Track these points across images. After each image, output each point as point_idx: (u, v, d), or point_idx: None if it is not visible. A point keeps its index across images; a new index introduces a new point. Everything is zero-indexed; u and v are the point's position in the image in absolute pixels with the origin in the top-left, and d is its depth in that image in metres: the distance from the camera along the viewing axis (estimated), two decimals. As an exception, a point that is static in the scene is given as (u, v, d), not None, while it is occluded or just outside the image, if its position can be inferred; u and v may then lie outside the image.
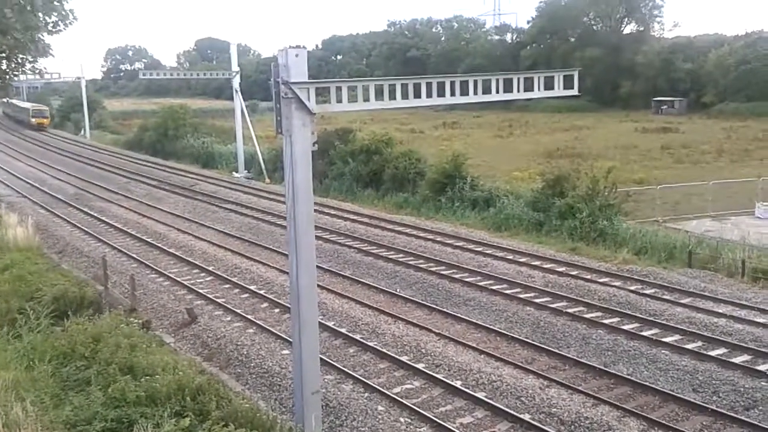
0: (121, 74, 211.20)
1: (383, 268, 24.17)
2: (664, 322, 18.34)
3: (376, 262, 24.85)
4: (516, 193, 32.75)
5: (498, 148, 58.77)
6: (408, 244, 27.12)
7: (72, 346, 14.31)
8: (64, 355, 14.25)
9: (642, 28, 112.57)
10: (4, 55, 25.05)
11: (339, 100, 11.76)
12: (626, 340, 17.26)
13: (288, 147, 11.19)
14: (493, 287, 21.54)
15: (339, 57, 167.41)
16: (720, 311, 18.97)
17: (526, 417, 13.42)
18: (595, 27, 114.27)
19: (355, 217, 32.48)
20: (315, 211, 11.90)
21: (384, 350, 16.67)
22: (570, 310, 19.32)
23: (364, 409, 13.79)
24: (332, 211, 33.72)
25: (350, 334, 17.74)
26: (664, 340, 17.10)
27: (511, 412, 13.55)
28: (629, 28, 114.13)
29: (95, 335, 14.61)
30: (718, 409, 13.63)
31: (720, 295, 20.33)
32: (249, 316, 19.13)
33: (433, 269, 23.62)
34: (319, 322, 14.34)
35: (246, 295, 21.34)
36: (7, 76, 26.55)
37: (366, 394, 14.45)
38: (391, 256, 25.43)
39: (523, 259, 24.59)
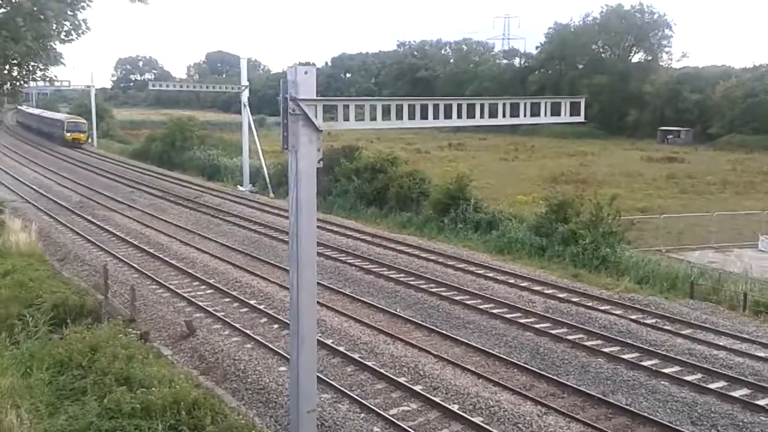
0: (131, 84, 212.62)
1: (384, 287, 24.12)
2: (664, 352, 18.23)
3: (376, 281, 24.79)
4: (519, 217, 32.74)
5: (503, 171, 58.86)
6: (409, 264, 27.07)
7: (69, 355, 14.29)
8: (61, 363, 14.23)
9: (650, 58, 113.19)
10: (15, 62, 25.18)
11: (346, 118, 11.79)
12: (626, 369, 17.15)
13: (293, 163, 11.20)
14: (494, 311, 21.46)
15: (348, 75, 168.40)
16: (721, 344, 18.85)
17: (523, 444, 13.30)
18: (603, 55, 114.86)
19: (357, 235, 32.47)
20: (318, 227, 11.90)
21: (382, 370, 16.57)
22: (570, 337, 19.22)
23: (359, 430, 13.69)
24: (335, 228, 33.71)
25: (348, 353, 17.65)
26: (663, 371, 16.97)
27: (508, 438, 13.43)
28: (637, 57, 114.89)
29: (93, 345, 14.60)
30: (717, 443, 13.52)
31: (721, 328, 20.21)
32: (247, 331, 19.07)
33: (433, 290, 23.56)
34: (318, 339, 14.29)
35: (245, 310, 21.28)
36: (18, 83, 26.65)
37: (362, 415, 14.35)
38: (392, 276, 25.38)
39: (524, 284, 24.51)
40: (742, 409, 15.03)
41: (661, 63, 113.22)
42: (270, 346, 17.96)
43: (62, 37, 24.88)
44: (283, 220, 33.63)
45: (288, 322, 13.98)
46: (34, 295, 19.03)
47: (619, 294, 23.40)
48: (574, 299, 22.74)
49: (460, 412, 14.48)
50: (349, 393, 15.24)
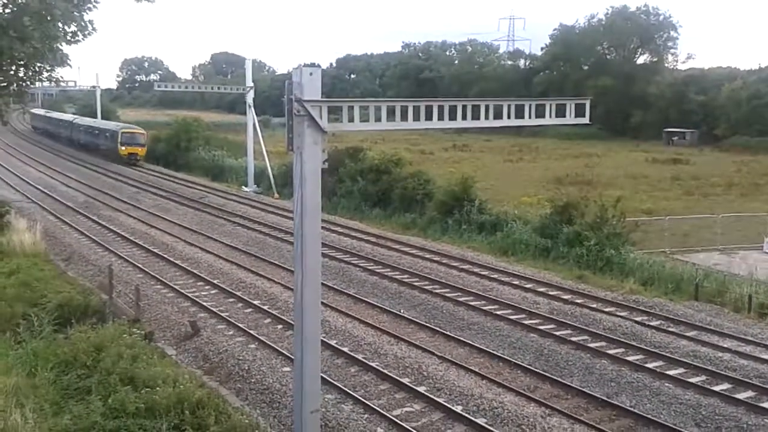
0: (137, 85, 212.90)
1: (388, 288, 24.13)
2: (668, 354, 18.19)
3: (380, 282, 24.80)
4: (524, 219, 32.70)
5: (507, 173, 58.78)
6: (413, 265, 27.07)
7: (74, 355, 14.33)
8: (65, 363, 14.27)
9: (655, 59, 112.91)
10: (22, 63, 25.27)
11: (351, 119, 11.80)
12: (630, 371, 17.12)
13: (298, 164, 11.22)
14: (498, 312, 21.45)
15: (353, 76, 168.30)
16: (725, 346, 18.80)
17: (527, 445, 13.29)
18: (608, 56, 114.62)
19: (361, 236, 32.48)
20: (322, 228, 11.92)
21: (386, 371, 16.58)
22: (574, 339, 19.20)
23: (363, 430, 13.70)
24: (339, 229, 33.73)
25: (352, 354, 17.67)
26: (668, 372, 16.95)
27: (512, 439, 13.42)
28: (643, 59, 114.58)
29: (98, 344, 14.65)
30: (721, 446, 13.48)
31: (726, 330, 20.17)
32: (252, 331, 19.10)
33: (437, 291, 23.56)
34: (322, 340, 14.30)
35: (249, 310, 21.32)
36: (24, 84, 26.76)
37: (366, 416, 14.36)
38: (396, 277, 25.38)
39: (528, 285, 24.49)
40: (747, 411, 14.99)
41: (666, 64, 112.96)
42: (274, 346, 17.98)
43: (68, 38, 24.99)
44: (287, 220, 33.65)
45: (292, 322, 14.03)
46: (38, 294, 19.09)
47: (624, 296, 23.36)
48: (578, 301, 22.72)
49: (464, 413, 14.48)
50: (352, 393, 15.25)
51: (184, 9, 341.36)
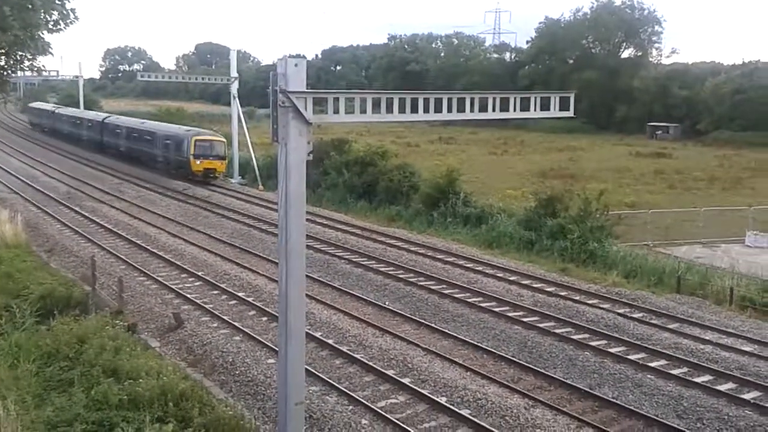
0: (120, 75, 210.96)
1: (373, 280, 24.14)
2: (650, 346, 18.36)
3: (365, 274, 24.81)
4: (508, 211, 32.84)
5: (492, 166, 58.93)
6: (398, 258, 27.10)
7: (57, 346, 14.24)
8: (48, 354, 14.18)
9: (640, 54, 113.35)
10: (3, 51, 25.00)
11: (336, 111, 11.76)
12: (612, 363, 17.26)
13: (283, 155, 11.17)
14: (482, 304, 21.53)
15: (338, 67, 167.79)
16: (707, 338, 19.00)
17: (510, 436, 13.37)
18: (593, 50, 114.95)
19: (346, 228, 32.46)
20: (307, 220, 11.90)
21: (370, 363, 16.61)
22: (557, 331, 19.33)
23: (347, 422, 13.72)
24: (324, 221, 33.69)
25: (337, 346, 17.68)
26: (650, 364, 17.10)
27: (495, 431, 13.50)
28: (627, 53, 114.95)
29: (80, 336, 14.56)
30: (702, 437, 13.63)
31: (707, 322, 20.38)
32: (236, 323, 19.05)
33: (422, 284, 23.60)
34: (307, 332, 14.28)
35: (234, 302, 21.25)
36: (5, 73, 26.47)
37: (350, 407, 14.38)
38: (381, 269, 25.40)
39: (513, 278, 24.61)
40: (728, 402, 15.16)
41: (650, 59, 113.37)
42: (258, 338, 17.95)
43: (50, 26, 24.75)
44: (272, 212, 33.56)
45: (276, 314, 14.00)
46: (21, 286, 18.94)
47: (607, 288, 23.52)
48: (561, 293, 22.85)
49: (448, 405, 14.54)
50: (337, 385, 15.27)
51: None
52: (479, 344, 18.24)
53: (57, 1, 24.11)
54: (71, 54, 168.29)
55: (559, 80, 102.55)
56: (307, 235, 12.19)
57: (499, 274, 24.98)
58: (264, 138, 49.63)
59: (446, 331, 19.19)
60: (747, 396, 15.48)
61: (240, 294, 21.84)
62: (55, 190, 41.50)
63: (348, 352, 17.32)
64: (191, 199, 39.85)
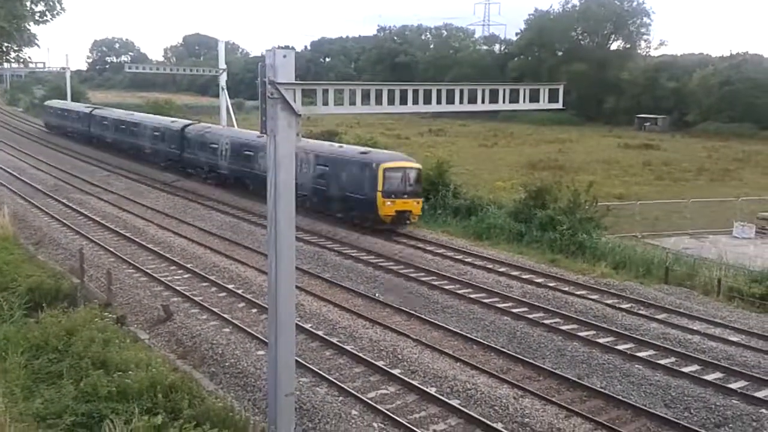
0: (107, 66, 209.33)
1: (363, 272, 24.15)
2: (639, 336, 18.49)
3: (355, 266, 24.82)
4: (498, 203, 32.91)
5: (482, 158, 59.01)
6: (388, 249, 27.12)
7: (45, 339, 14.18)
8: (36, 347, 14.11)
9: (628, 46, 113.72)
10: (-12, 43, 24.80)
11: (325, 103, 11.74)
12: (601, 353, 17.37)
13: (272, 147, 11.15)
14: (472, 296, 21.60)
15: (327, 59, 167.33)
16: (694, 328, 19.15)
17: (500, 426, 13.45)
18: (582, 42, 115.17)
19: (336, 220, 32.37)
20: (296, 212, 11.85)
21: (360, 354, 16.64)
22: (546, 322, 19.43)
23: (337, 413, 13.75)
24: (314, 213, 33.57)
25: (327, 337, 17.69)
26: (638, 354, 17.23)
27: (485, 420, 13.57)
28: (616, 45, 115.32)
29: (69, 328, 14.50)
30: (689, 426, 13.75)
31: (695, 313, 20.53)
32: (225, 315, 19.02)
33: (412, 275, 23.64)
34: (297, 323, 14.28)
35: (223, 294, 21.22)
36: (-9, 64, 26.24)
37: (340, 398, 14.41)
38: (371, 261, 25.42)
39: (502, 269, 24.68)
40: (715, 392, 15.30)
41: (639, 51, 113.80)
42: (248, 330, 17.94)
43: (36, 17, 24.54)
44: (261, 204, 33.44)
45: (266, 306, 13.99)
46: (8, 278, 18.81)
47: (595, 279, 23.65)
48: (551, 284, 22.95)
49: (438, 395, 14.61)
50: (327, 377, 15.30)
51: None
52: (469, 335, 18.31)
53: (43, -8, 23.93)
54: (58, 45, 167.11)
55: (549, 72, 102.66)
56: (296, 227, 12.17)
57: (488, 266, 25.05)
58: (253, 130, 49.45)
59: (436, 322, 19.25)
60: (734, 385, 15.62)
61: (229, 286, 21.80)
62: (43, 183, 41.20)
63: (338, 343, 17.34)
64: (180, 191, 39.67)
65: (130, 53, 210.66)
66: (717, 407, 14.63)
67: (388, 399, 14.57)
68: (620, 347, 17.68)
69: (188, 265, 23.98)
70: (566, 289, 22.48)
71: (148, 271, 23.12)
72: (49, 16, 24.83)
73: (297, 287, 15.85)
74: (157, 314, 19.10)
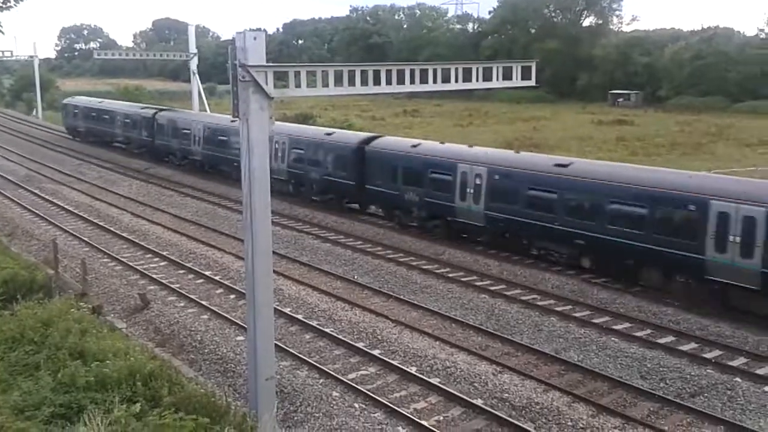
0: (76, 54, 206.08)
1: (341, 254, 24.15)
2: (614, 310, 18.73)
3: (333, 249, 24.80)
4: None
5: (458, 137, 58.82)
6: (366, 231, 27.13)
7: (21, 331, 14.00)
8: (12, 339, 13.92)
9: (601, 22, 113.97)
10: (-49, 30, 24.22)
11: (298, 85, 11.69)
12: (577, 327, 17.59)
13: (245, 131, 11.09)
14: (450, 275, 21.71)
15: (300, 41, 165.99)
16: (669, 300, 19.39)
17: (479, 402, 13.60)
18: (555, 19, 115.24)
19: (313, 203, 32.30)
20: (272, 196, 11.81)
21: (340, 336, 16.70)
22: (523, 298, 19.61)
23: (318, 395, 13.81)
24: (290, 197, 33.46)
25: (306, 321, 17.72)
26: (614, 327, 17.47)
27: (464, 397, 13.72)
28: (588, 21, 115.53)
29: (45, 320, 14.34)
30: (665, 396, 14.00)
31: (669, 285, 20.75)
32: (203, 302, 18.97)
33: (390, 256, 23.69)
34: (275, 308, 14.28)
35: (201, 281, 21.12)
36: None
37: (321, 380, 14.47)
38: (349, 243, 25.42)
39: (479, 248, 24.79)
40: (690, 362, 15.57)
41: (611, 27, 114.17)
42: (227, 316, 17.91)
43: (0, 4, 24.01)
44: (237, 190, 33.21)
45: (244, 291, 13.96)
46: (-19, 271, 18.53)
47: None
48: (527, 261, 23.11)
49: (418, 374, 14.72)
50: (307, 360, 15.34)
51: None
52: (447, 314, 18.42)
53: (6, -22, 23.39)
54: (25, 34, 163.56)
55: (522, 50, 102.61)
56: (273, 211, 12.13)
57: (466, 245, 25.13)
58: (226, 114, 49.02)
59: (415, 302, 19.33)
60: (708, 355, 15.91)
61: (207, 273, 21.71)
62: (14, 173, 40.59)
63: (317, 326, 17.37)
64: (153, 179, 39.29)
65: (99, 40, 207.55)
66: (692, 377, 14.90)
67: (368, 379, 14.65)
68: (596, 321, 17.91)
69: (164, 253, 23.82)
70: (543, 265, 22.64)
71: (123, 260, 22.94)
72: (13, 2, 24.33)
73: (275, 272, 15.83)
74: (133, 303, 19.00)
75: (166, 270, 22.18)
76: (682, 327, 17.58)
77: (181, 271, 22.04)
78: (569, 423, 12.99)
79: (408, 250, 24.34)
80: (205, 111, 48.02)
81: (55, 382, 11.61)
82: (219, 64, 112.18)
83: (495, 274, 21.86)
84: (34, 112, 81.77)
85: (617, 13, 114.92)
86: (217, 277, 21.26)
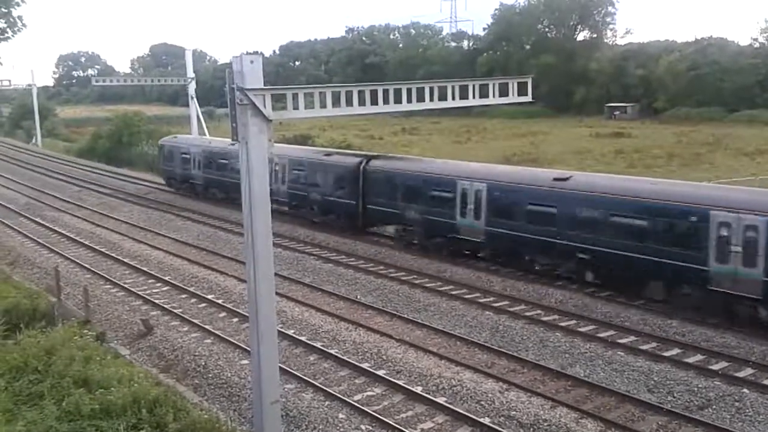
0: (74, 81, 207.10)
1: (343, 275, 24.10)
2: (619, 324, 18.65)
3: (336, 269, 24.76)
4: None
5: (456, 154, 58.98)
6: (368, 251, 27.10)
7: (24, 360, 13.97)
8: (16, 368, 13.90)
9: (595, 35, 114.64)
10: (-50, 61, 24.38)
11: (296, 107, 11.73)
12: (583, 342, 17.51)
13: (244, 154, 11.12)
14: (453, 292, 21.65)
15: (297, 63, 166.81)
16: (673, 313, 19.29)
17: (486, 421, 13.50)
18: (549, 34, 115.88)
19: (314, 224, 32.29)
20: (273, 218, 11.82)
21: (345, 358, 16.62)
22: (528, 314, 19.53)
23: (324, 417, 13.72)
24: (292, 219, 33.47)
25: (311, 342, 17.64)
26: (619, 341, 17.39)
27: (471, 416, 13.62)
28: (582, 35, 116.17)
29: (48, 348, 14.32)
30: (673, 409, 13.90)
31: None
32: (207, 326, 18.89)
33: (393, 275, 23.64)
34: (279, 330, 14.24)
35: (203, 305, 21.06)
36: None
37: (327, 403, 14.38)
38: (351, 263, 25.38)
39: (482, 264, 24.74)
40: (697, 375, 15.48)
41: (605, 40, 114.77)
42: (230, 340, 17.83)
43: (-2, 35, 24.20)
44: (238, 213, 33.24)
45: (247, 315, 13.91)
46: (-17, 301, 18.50)
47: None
48: (530, 276, 23.05)
49: (424, 394, 14.63)
50: (312, 382, 15.25)
51: (119, 0, 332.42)
52: (452, 332, 18.34)
53: (2, 9, 23.56)
54: (23, 62, 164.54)
55: (518, 66, 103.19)
56: (274, 233, 12.12)
57: (468, 262, 25.09)
58: (225, 138, 49.13)
59: (419, 320, 19.26)
60: (715, 367, 15.82)
61: (209, 296, 21.65)
62: (14, 201, 40.63)
63: (322, 347, 17.29)
64: (153, 204, 39.31)
65: (97, 66, 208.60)
66: (700, 389, 14.80)
67: (374, 400, 14.56)
68: (602, 335, 17.83)
69: (166, 278, 23.78)
70: (545, 280, 22.58)
71: (125, 285, 22.89)
72: (10, 33, 24.54)
73: (278, 293, 15.79)
74: (137, 329, 18.93)
75: (169, 295, 22.13)
76: (688, 339, 17.50)
77: (184, 296, 21.99)
78: (578, 439, 12.89)
79: (410, 269, 24.30)
80: (205, 135, 48.04)
81: (60, 411, 11.59)
82: (217, 88, 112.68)
83: (498, 290, 21.81)
84: (33, 140, 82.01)
85: (611, 26, 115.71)
86: (219, 301, 21.20)
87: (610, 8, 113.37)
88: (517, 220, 22.66)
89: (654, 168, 48.73)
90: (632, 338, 17.65)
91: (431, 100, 13.27)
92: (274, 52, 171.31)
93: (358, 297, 21.57)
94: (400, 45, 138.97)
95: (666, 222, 19.10)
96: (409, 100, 12.94)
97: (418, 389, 14.90)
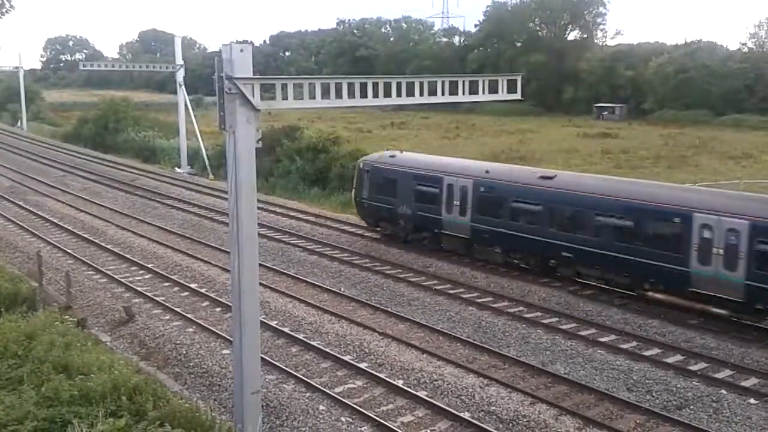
0: (61, 65, 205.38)
1: (328, 267, 24.09)
2: (600, 322, 18.78)
3: (320, 261, 24.75)
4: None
5: (445, 150, 59.04)
6: (353, 243, 27.10)
7: (4, 344, 13.85)
8: (-5, 353, 13.77)
9: (585, 35, 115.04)
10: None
11: (285, 98, 11.67)
12: (564, 339, 17.62)
13: (231, 143, 11.07)
14: (437, 287, 21.71)
15: (287, 53, 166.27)
16: (654, 312, 19.48)
17: (466, 415, 13.56)
18: (540, 33, 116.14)
19: (300, 216, 32.28)
20: (259, 208, 11.81)
21: (327, 349, 16.62)
22: (510, 310, 19.62)
23: (305, 408, 13.73)
24: (277, 209, 33.44)
25: (293, 334, 17.63)
26: (600, 340, 17.51)
27: (452, 410, 13.68)
28: (573, 35, 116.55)
29: (29, 333, 14.20)
30: (651, 408, 14.02)
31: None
32: (189, 315, 18.83)
33: (377, 269, 23.66)
34: (262, 321, 14.20)
35: (186, 294, 20.99)
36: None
37: (307, 394, 14.39)
38: (335, 255, 25.37)
39: (467, 260, 24.81)
40: (676, 374, 15.62)
41: (596, 40, 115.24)
42: (212, 329, 17.79)
43: (-15, 15, 23.88)
44: (223, 202, 33.15)
45: (230, 304, 13.87)
46: (-36, 284, 18.33)
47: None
48: (514, 273, 23.15)
49: (405, 387, 14.67)
50: (294, 373, 15.25)
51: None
52: (435, 326, 18.40)
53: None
54: (10, 44, 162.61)
55: (508, 63, 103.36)
56: (259, 223, 12.10)
57: (453, 257, 25.15)
58: (213, 126, 48.80)
59: (402, 314, 19.30)
60: (694, 367, 15.97)
61: (192, 285, 21.58)
62: (-3, 185, 40.29)
63: (304, 339, 17.29)
64: (139, 191, 39.09)
65: (85, 51, 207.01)
66: (678, 389, 14.93)
67: (355, 393, 14.58)
68: (583, 333, 17.94)
69: (149, 265, 23.67)
70: (529, 278, 22.69)
71: (108, 272, 22.77)
72: (-3, 15, 24.23)
73: (262, 284, 15.76)
74: (118, 316, 18.84)
75: (152, 282, 22.03)
76: (668, 339, 17.65)
77: (167, 284, 21.90)
78: (556, 436, 12.98)
79: (395, 263, 24.33)
80: (192, 122, 47.73)
81: (39, 396, 11.49)
82: (205, 76, 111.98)
83: (482, 286, 21.88)
84: (18, 124, 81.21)
85: (601, 27, 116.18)
86: (202, 290, 21.13)
87: (601, 9, 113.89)
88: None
89: (640, 169, 49.00)
90: (613, 337, 17.78)
91: (421, 94, 13.24)
92: (265, 41, 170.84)
93: (342, 289, 21.58)
94: (391, 39, 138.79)
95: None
96: (399, 94, 12.92)
97: (400, 382, 14.94)
